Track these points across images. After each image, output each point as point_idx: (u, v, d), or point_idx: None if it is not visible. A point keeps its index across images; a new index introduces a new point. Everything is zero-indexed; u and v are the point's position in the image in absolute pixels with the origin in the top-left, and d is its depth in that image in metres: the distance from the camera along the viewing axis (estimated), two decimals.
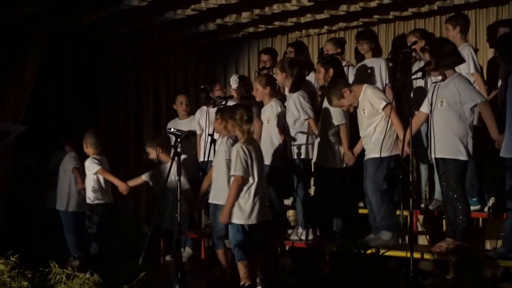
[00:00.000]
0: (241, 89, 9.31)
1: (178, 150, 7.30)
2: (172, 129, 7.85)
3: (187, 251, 9.54)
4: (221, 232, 7.64)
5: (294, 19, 9.94)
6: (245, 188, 7.15)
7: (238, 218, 7.17)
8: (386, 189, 7.70)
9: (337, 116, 8.13)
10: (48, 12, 9.37)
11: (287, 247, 9.09)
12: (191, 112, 10.12)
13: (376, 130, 7.67)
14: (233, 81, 9.33)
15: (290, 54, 9.43)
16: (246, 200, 7.15)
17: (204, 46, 11.98)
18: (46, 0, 8.82)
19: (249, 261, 7.19)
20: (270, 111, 8.45)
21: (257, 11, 9.43)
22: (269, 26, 10.44)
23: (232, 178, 7.21)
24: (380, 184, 7.64)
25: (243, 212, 7.15)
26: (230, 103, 8.56)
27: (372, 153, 7.71)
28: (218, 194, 7.62)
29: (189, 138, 8.26)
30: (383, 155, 7.58)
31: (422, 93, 8.00)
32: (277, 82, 8.71)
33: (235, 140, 7.46)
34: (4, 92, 9.89)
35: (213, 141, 8.44)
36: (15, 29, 9.83)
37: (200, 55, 12.08)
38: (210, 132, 8.54)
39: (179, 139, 7.53)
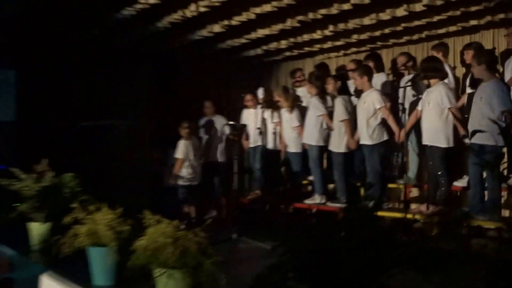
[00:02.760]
0: (267, 97, 9.34)
1: None
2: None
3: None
4: None
5: (318, 45, 9.87)
6: None
7: None
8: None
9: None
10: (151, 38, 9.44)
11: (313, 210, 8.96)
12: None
13: None
14: (260, 92, 9.36)
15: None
16: None
17: (253, 66, 11.86)
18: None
19: None
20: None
21: (291, 39, 9.39)
22: (301, 51, 10.39)
23: None
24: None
25: None
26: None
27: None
28: None
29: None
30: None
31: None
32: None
33: None
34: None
35: (261, 133, 8.47)
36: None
37: (250, 72, 11.95)
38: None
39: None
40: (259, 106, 9.17)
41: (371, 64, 8.52)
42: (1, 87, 10.22)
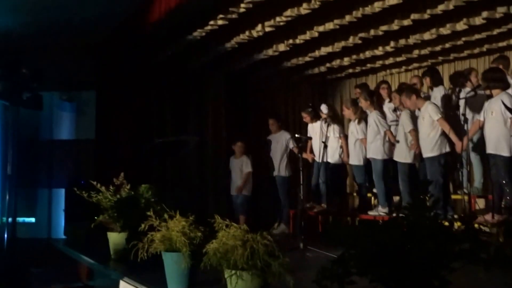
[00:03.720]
0: (330, 112, 9.32)
1: None
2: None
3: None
4: None
5: (380, 62, 9.85)
6: None
7: None
8: None
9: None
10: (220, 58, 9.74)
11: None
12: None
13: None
14: (324, 108, 9.39)
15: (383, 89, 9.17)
16: None
17: (318, 83, 11.91)
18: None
19: None
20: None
21: (354, 56, 9.42)
22: (363, 68, 10.38)
23: None
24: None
25: None
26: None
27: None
28: None
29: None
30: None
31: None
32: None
33: None
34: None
35: (325, 146, 8.51)
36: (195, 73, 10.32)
37: (315, 89, 12.01)
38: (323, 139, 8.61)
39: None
40: (323, 121, 9.21)
41: (427, 79, 8.46)
42: (83, 107, 10.68)
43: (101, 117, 10.22)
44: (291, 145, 9.51)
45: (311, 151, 9.61)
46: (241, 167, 9.65)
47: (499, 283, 3.63)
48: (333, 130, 9.14)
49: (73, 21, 9.13)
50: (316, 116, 9.56)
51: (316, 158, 9.36)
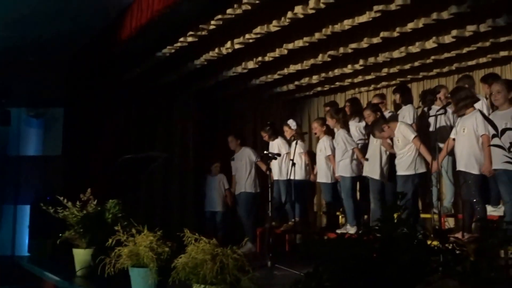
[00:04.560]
0: (297, 129, 9.59)
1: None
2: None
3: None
4: None
5: (349, 80, 9.84)
6: None
7: None
8: None
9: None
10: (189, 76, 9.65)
11: None
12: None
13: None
14: (292, 123, 9.39)
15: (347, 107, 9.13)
16: None
17: (287, 101, 11.87)
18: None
19: None
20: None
21: (323, 74, 9.39)
22: (332, 86, 10.35)
23: None
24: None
25: None
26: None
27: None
28: None
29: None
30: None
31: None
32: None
33: None
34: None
35: (293, 164, 8.44)
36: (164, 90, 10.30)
37: (284, 107, 11.94)
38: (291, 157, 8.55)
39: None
40: (291, 138, 9.17)
41: (397, 97, 8.46)
42: (50, 124, 10.49)
43: (69, 134, 10.03)
44: (254, 158, 9.47)
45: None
46: (219, 184, 10.00)
47: None
48: (298, 147, 9.09)
49: (42, 37, 8.94)
50: (274, 134, 9.54)
51: (275, 176, 9.25)
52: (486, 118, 6.19)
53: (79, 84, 9.93)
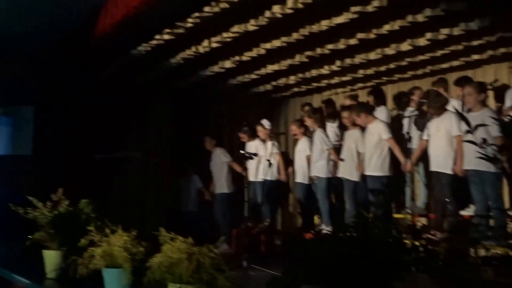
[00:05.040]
0: (272, 129, 9.76)
1: None
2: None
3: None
4: None
5: (326, 81, 9.93)
6: None
7: None
8: None
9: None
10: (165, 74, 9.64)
11: None
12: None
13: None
14: (266, 123, 9.46)
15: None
16: None
17: (264, 101, 11.87)
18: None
19: None
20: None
21: (300, 75, 9.47)
22: (309, 87, 10.44)
23: None
24: None
25: None
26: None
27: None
28: None
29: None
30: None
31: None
32: None
33: None
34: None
35: (270, 164, 8.50)
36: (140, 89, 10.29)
37: (261, 107, 11.91)
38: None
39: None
40: (267, 138, 9.24)
41: (371, 98, 8.57)
42: (19, 123, 10.37)
43: (39, 133, 9.95)
44: (226, 159, 9.53)
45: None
46: (193, 184, 10.28)
47: None
48: (273, 147, 9.16)
49: (12, 33, 8.85)
50: (253, 135, 9.60)
51: (251, 177, 9.31)
52: (460, 115, 6.34)
53: (51, 82, 9.84)
